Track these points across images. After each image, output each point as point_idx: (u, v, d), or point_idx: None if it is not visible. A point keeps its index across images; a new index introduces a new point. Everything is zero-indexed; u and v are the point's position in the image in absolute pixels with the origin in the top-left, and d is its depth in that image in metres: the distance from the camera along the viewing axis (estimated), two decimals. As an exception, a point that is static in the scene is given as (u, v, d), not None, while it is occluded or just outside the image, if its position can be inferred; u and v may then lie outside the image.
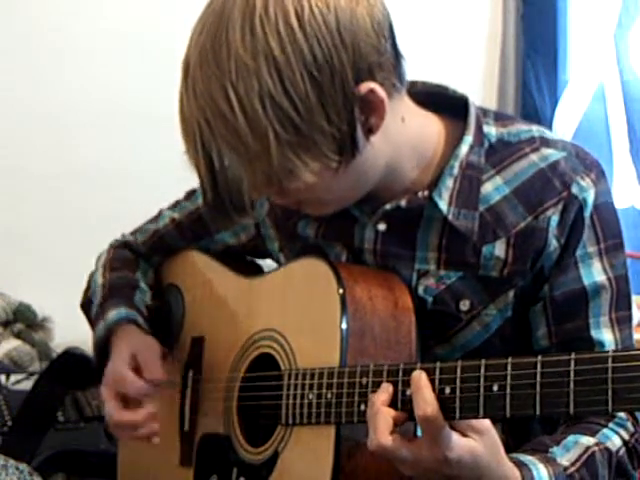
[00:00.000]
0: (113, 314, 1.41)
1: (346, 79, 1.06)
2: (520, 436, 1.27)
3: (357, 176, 1.15)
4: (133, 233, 1.58)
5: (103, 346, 1.40)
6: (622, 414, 1.20)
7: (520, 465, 1.07)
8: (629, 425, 1.20)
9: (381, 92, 1.09)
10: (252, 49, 1.03)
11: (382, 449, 1.01)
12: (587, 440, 1.16)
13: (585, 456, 1.14)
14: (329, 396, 1.14)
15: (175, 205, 1.53)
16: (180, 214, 1.51)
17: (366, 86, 1.08)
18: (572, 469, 1.12)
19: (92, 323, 1.49)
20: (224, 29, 1.05)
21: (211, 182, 1.10)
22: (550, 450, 1.14)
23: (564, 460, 1.13)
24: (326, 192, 1.15)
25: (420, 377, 1.01)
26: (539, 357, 0.95)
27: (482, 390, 0.98)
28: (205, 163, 1.09)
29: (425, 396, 1.00)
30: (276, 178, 1.09)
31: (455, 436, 1.00)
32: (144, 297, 1.49)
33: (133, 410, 1.31)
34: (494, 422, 1.04)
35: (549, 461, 1.11)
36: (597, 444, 1.16)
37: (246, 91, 1.03)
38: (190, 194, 1.50)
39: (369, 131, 1.11)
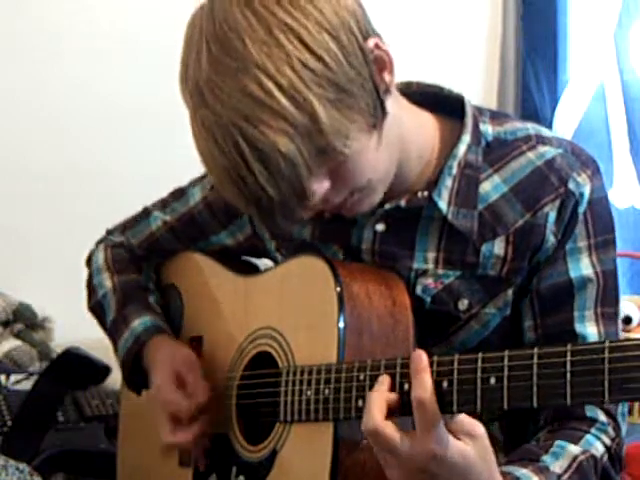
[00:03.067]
0: (138, 323, 1.42)
1: (356, 34, 1.07)
2: (517, 436, 1.27)
3: (390, 148, 1.15)
4: (122, 232, 1.57)
5: (134, 356, 1.40)
6: (603, 418, 1.20)
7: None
8: (610, 430, 1.20)
9: (385, 46, 1.10)
10: (264, 28, 1.03)
11: (375, 431, 1.00)
12: (573, 449, 1.16)
13: (575, 464, 1.14)
14: (327, 392, 1.14)
15: (164, 206, 1.52)
16: (172, 217, 1.50)
17: (373, 40, 1.09)
18: (565, 476, 1.12)
19: (109, 328, 1.48)
20: (225, 27, 1.04)
21: (272, 182, 1.05)
22: (541, 459, 1.14)
23: (556, 468, 1.13)
24: (372, 168, 1.13)
25: (420, 359, 1.01)
26: (535, 349, 0.95)
27: (479, 383, 0.98)
28: (260, 166, 1.04)
29: (423, 380, 0.99)
30: (331, 147, 1.06)
31: (449, 436, 0.99)
32: (156, 298, 1.49)
33: (186, 429, 1.31)
34: (491, 420, 1.04)
35: (543, 471, 1.11)
36: (583, 452, 1.16)
37: (275, 66, 1.02)
38: (178, 194, 1.50)
39: (386, 90, 1.11)
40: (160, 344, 1.39)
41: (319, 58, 1.03)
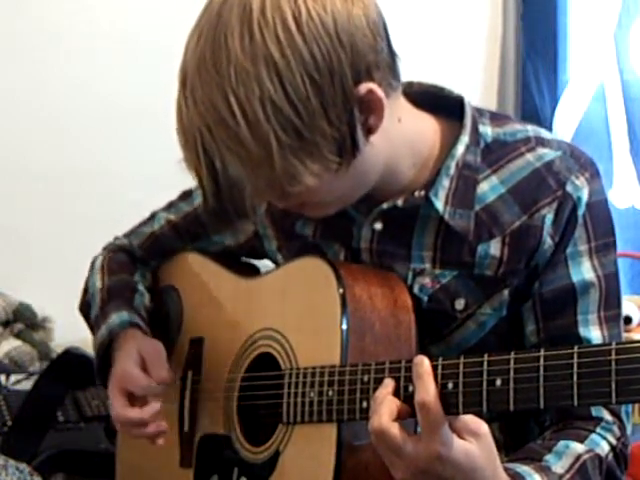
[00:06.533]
0: (115, 318, 1.42)
1: (345, 80, 1.06)
2: (517, 435, 1.27)
3: (358, 176, 1.15)
4: (127, 236, 1.58)
5: (105, 349, 1.40)
6: (609, 417, 1.20)
7: (517, 477, 1.07)
8: (615, 429, 1.20)
9: (380, 92, 1.09)
10: (252, 54, 1.03)
11: (381, 432, 1.01)
12: (577, 447, 1.16)
13: (578, 464, 1.14)
14: (330, 394, 1.14)
15: (170, 206, 1.53)
16: (176, 215, 1.51)
17: (365, 86, 1.08)
18: (567, 476, 1.13)
19: (92, 326, 1.48)
20: (222, 36, 1.05)
21: (213, 189, 1.10)
22: (544, 458, 1.14)
23: (558, 468, 1.13)
24: (327, 194, 1.16)
25: (422, 364, 1.01)
26: (542, 351, 0.95)
27: (485, 385, 0.98)
28: (207, 171, 1.08)
29: (426, 383, 1.00)
30: (278, 182, 1.09)
31: (453, 436, 1.00)
32: (143, 300, 1.49)
33: (140, 407, 1.30)
34: (492, 420, 1.04)
35: (544, 470, 1.11)
36: (587, 451, 1.16)
37: (247, 96, 1.03)
38: (185, 195, 1.50)
39: (369, 131, 1.12)
40: (130, 336, 1.39)
41: (293, 105, 1.04)
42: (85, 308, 1.53)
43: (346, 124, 1.08)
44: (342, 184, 1.15)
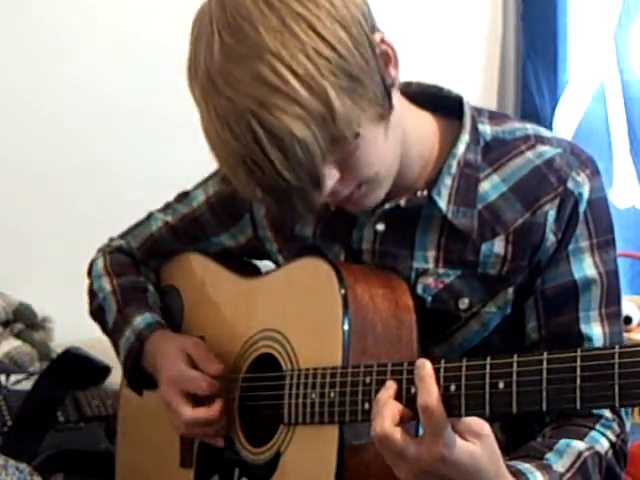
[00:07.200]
0: (139, 320, 1.42)
1: (365, 25, 1.08)
2: (519, 436, 1.27)
3: (395, 144, 1.16)
4: (123, 237, 1.57)
5: (136, 352, 1.40)
6: (608, 415, 1.21)
7: (518, 474, 1.07)
8: (615, 426, 1.21)
9: (390, 41, 1.11)
10: (277, 17, 1.03)
11: (385, 436, 1.01)
12: (578, 445, 1.16)
13: (578, 462, 1.14)
14: (332, 395, 1.14)
15: (166, 208, 1.52)
16: (173, 217, 1.50)
17: (379, 35, 1.10)
18: (568, 475, 1.13)
19: (110, 330, 1.48)
20: (238, 17, 1.04)
21: (288, 167, 1.05)
22: (545, 457, 1.14)
23: (559, 466, 1.13)
24: (378, 159, 1.14)
25: (424, 366, 1.01)
26: (545, 354, 0.95)
27: (488, 387, 0.98)
28: (276, 151, 1.05)
29: (428, 385, 1.00)
30: (343, 135, 1.06)
31: (456, 437, 1.00)
32: (155, 299, 1.49)
33: (207, 406, 1.29)
34: (494, 420, 1.04)
35: (545, 468, 1.11)
36: (588, 449, 1.16)
37: (290, 53, 1.03)
38: (182, 196, 1.50)
39: (392, 84, 1.12)
40: (163, 338, 1.39)
41: (332, 47, 1.04)
42: (97, 312, 1.52)
43: (377, 70, 1.09)
44: (388, 149, 1.14)
